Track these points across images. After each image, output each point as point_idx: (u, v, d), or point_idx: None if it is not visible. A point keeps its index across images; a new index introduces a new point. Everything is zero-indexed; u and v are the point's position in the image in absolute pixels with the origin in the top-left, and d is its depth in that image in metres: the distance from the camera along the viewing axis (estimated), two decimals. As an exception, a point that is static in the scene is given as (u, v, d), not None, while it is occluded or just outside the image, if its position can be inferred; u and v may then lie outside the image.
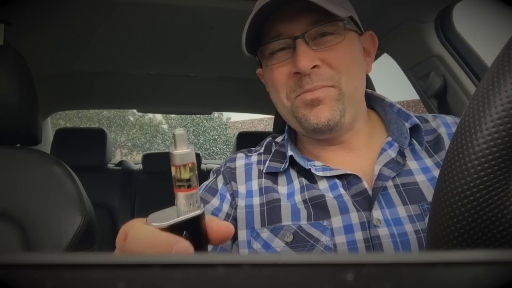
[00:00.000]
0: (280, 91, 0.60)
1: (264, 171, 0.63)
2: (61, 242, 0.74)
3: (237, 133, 2.07)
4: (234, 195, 0.62)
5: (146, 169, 2.02)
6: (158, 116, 14.14)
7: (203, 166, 2.27)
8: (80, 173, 0.89)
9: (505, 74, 0.26)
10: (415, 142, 0.61)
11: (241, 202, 0.60)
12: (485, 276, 0.14)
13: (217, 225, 0.28)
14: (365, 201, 0.55)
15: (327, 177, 0.59)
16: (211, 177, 0.67)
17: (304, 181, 0.60)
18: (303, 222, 0.55)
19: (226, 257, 0.14)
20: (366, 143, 0.63)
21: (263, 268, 0.14)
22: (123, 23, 1.13)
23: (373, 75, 0.99)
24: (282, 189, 0.61)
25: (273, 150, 0.67)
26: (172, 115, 13.24)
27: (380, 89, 1.05)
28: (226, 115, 14.28)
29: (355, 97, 0.60)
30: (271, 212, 0.58)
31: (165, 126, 14.74)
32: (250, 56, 0.63)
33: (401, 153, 0.59)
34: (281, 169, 0.62)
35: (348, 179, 0.58)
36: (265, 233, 0.56)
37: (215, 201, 0.61)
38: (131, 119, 14.35)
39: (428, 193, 0.55)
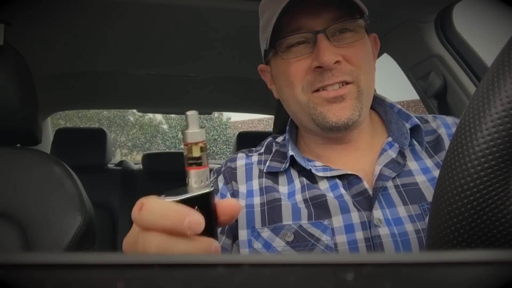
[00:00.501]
0: (296, 85, 0.59)
1: (264, 171, 0.63)
2: (61, 242, 0.74)
3: (237, 133, 2.06)
4: (234, 194, 0.62)
5: (146, 169, 2.02)
6: (158, 116, 14.14)
7: None
8: (80, 173, 0.88)
9: (505, 74, 0.26)
10: (415, 142, 0.61)
11: (241, 202, 0.60)
12: (485, 276, 0.14)
13: (225, 201, 0.30)
14: (365, 201, 0.55)
15: (327, 177, 0.59)
16: (212, 177, 0.67)
17: (304, 180, 0.60)
18: (304, 222, 0.55)
19: (226, 257, 0.14)
20: (369, 143, 0.63)
21: (263, 268, 0.14)
22: (123, 23, 1.13)
23: (373, 75, 0.99)
24: (283, 188, 0.61)
25: (273, 150, 0.67)
26: (172, 115, 13.22)
27: (380, 89, 1.06)
28: (226, 115, 14.29)
29: (370, 96, 0.60)
30: (271, 212, 0.58)
31: (165, 126, 14.74)
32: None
33: (401, 154, 0.59)
34: (281, 169, 0.62)
35: (348, 179, 0.58)
36: (266, 233, 0.56)
37: None
38: (131, 119, 14.36)
39: (428, 193, 0.55)
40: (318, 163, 0.61)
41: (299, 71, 0.58)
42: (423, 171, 0.58)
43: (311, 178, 0.60)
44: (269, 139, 0.72)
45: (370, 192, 0.56)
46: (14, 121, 0.79)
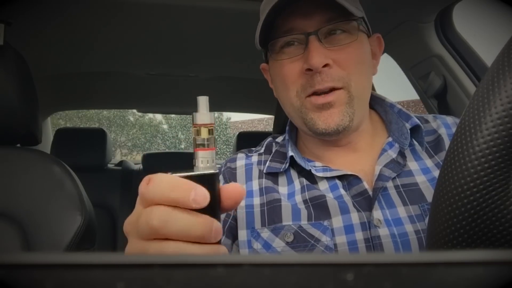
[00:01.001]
0: (291, 89, 0.59)
1: (264, 171, 0.63)
2: (61, 242, 0.74)
3: (237, 133, 2.06)
4: None
5: (146, 169, 2.02)
6: (158, 116, 14.15)
7: None
8: (80, 173, 0.88)
9: (505, 74, 0.26)
10: (415, 142, 0.61)
11: (241, 202, 0.60)
12: (485, 276, 0.14)
13: (229, 186, 0.30)
14: (365, 202, 0.55)
15: (327, 178, 0.59)
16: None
17: (304, 181, 0.60)
18: (304, 222, 0.55)
19: (226, 257, 0.14)
20: (369, 143, 0.63)
21: (263, 268, 0.14)
22: (123, 23, 1.13)
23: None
24: (283, 189, 0.61)
25: (273, 150, 0.67)
26: (172, 115, 13.23)
27: (380, 89, 1.05)
28: (226, 115, 14.30)
29: (364, 99, 0.60)
30: (271, 212, 0.58)
31: (165, 126, 14.75)
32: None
33: (401, 154, 0.59)
34: (281, 170, 0.62)
35: (348, 180, 0.58)
36: (266, 233, 0.56)
37: None
38: (131, 119, 14.36)
39: (428, 193, 0.55)
40: (318, 164, 0.61)
41: (292, 73, 0.58)
42: (423, 171, 0.58)
43: (311, 178, 0.60)
44: (269, 139, 0.72)
45: (370, 193, 0.56)
46: (14, 121, 0.79)
